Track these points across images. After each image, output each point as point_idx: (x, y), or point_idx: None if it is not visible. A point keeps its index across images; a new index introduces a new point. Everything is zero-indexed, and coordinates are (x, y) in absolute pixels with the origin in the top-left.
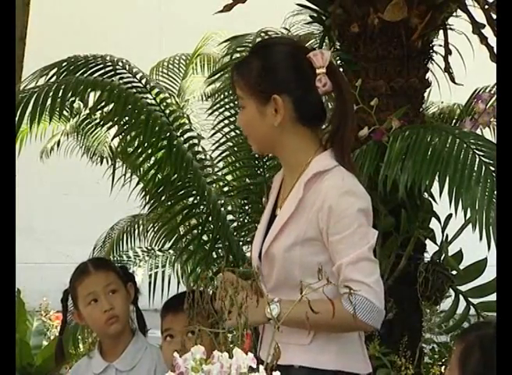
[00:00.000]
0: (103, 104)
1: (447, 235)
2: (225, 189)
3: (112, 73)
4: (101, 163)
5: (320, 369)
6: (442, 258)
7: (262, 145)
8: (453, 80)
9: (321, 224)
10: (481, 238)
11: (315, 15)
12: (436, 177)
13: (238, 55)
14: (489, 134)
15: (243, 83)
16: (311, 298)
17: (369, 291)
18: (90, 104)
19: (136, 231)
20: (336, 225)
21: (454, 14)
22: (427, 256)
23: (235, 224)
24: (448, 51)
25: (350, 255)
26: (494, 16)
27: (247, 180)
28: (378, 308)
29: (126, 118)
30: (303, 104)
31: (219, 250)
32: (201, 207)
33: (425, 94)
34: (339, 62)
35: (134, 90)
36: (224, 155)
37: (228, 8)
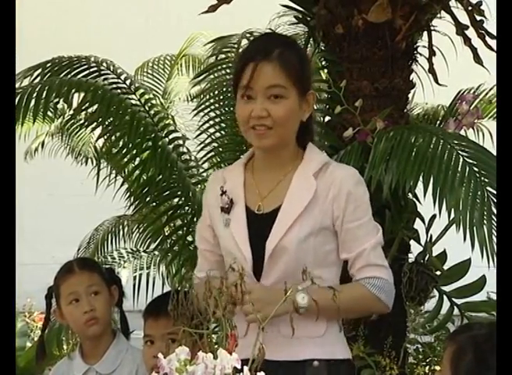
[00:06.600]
0: (87, 105)
1: (431, 236)
2: None
3: (97, 73)
4: (86, 164)
5: (334, 360)
6: (426, 258)
7: (285, 140)
8: (436, 81)
9: (336, 212)
10: (465, 239)
11: (300, 16)
12: (420, 178)
13: (223, 55)
14: (473, 135)
15: (288, 72)
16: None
17: (388, 273)
18: (75, 105)
19: (121, 232)
20: (355, 211)
21: (438, 15)
22: (411, 257)
23: None
24: (432, 53)
25: (370, 240)
26: (477, 18)
27: None
28: (393, 289)
29: (111, 119)
30: None
31: None
32: (186, 208)
33: (410, 95)
34: (323, 62)
35: (119, 91)
36: (209, 155)
37: (213, 8)
